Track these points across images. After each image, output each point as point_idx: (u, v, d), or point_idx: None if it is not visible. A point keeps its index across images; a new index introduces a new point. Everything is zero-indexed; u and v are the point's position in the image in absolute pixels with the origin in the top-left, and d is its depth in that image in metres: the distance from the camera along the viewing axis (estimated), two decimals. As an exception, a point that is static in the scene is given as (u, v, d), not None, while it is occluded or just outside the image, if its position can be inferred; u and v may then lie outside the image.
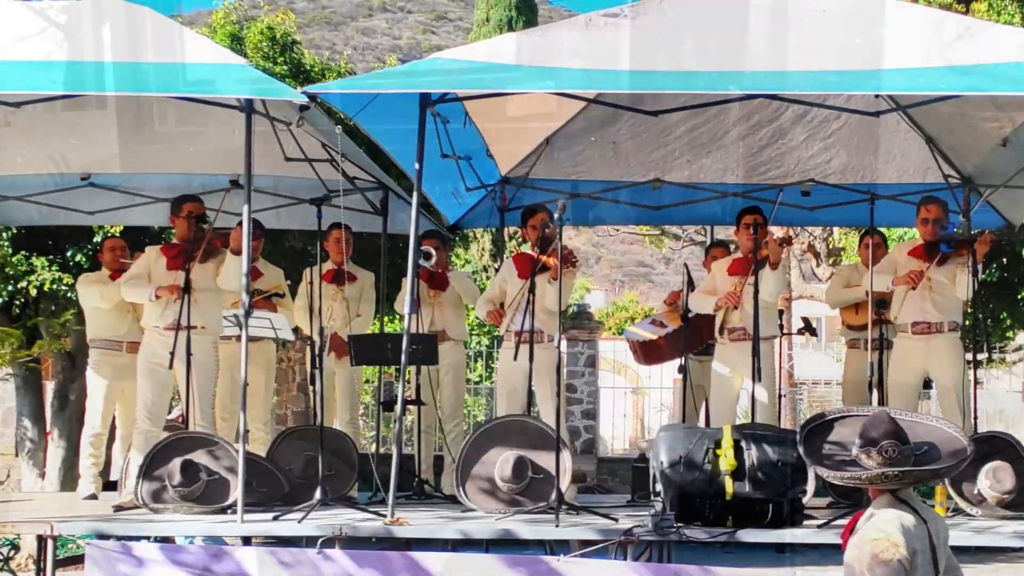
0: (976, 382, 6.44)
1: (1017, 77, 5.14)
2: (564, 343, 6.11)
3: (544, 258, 6.37)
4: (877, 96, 6.38)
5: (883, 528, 3.03)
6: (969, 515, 5.70)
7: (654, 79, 5.39)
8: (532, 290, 6.21)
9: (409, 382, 6.59)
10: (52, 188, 7.69)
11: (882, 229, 8.12)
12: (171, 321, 6.17)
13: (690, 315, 6.98)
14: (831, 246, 17.74)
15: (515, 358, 6.16)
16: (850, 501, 6.30)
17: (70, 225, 8.61)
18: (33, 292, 9.07)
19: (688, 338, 7.05)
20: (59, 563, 6.23)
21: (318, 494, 5.73)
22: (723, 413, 6.46)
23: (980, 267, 6.25)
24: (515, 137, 7.40)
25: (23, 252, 9.15)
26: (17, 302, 9.31)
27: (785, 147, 7.63)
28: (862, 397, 6.96)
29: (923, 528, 3.09)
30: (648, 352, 7.39)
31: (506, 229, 8.45)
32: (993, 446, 5.76)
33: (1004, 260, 9.73)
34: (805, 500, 5.59)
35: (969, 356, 6.63)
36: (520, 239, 21.88)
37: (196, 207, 6.39)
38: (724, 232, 11.05)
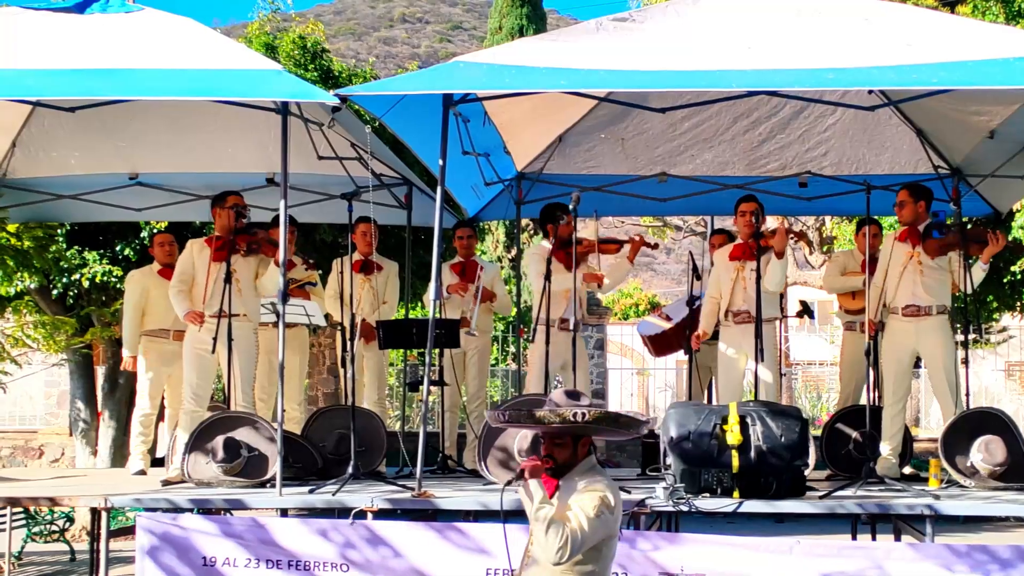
0: (966, 362, 6.35)
1: (1003, 73, 5.05)
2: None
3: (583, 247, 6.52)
4: (871, 92, 6.29)
5: (597, 488, 3.54)
6: (962, 486, 5.62)
7: (660, 78, 5.31)
8: (546, 279, 6.23)
9: (433, 365, 6.56)
10: (103, 187, 7.69)
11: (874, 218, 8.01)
12: (216, 310, 6.17)
13: (694, 306, 6.91)
14: (824, 235, 17.62)
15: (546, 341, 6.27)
16: (848, 474, 6.24)
17: (119, 221, 8.61)
18: (86, 283, 9.10)
19: (692, 328, 6.96)
20: (111, 534, 6.24)
21: (350, 469, 5.72)
22: (730, 392, 6.40)
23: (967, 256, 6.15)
24: (530, 135, 7.34)
25: (76, 247, 9.17)
26: (71, 293, 9.32)
27: (783, 141, 7.55)
28: (858, 376, 6.89)
29: (618, 491, 3.64)
30: (658, 345, 7.38)
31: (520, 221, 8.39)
32: (984, 421, 5.69)
33: (990, 246, 9.59)
34: (806, 473, 5.53)
35: (959, 337, 6.54)
36: (532, 231, 21.87)
37: (238, 200, 6.40)
38: (722, 222, 10.96)
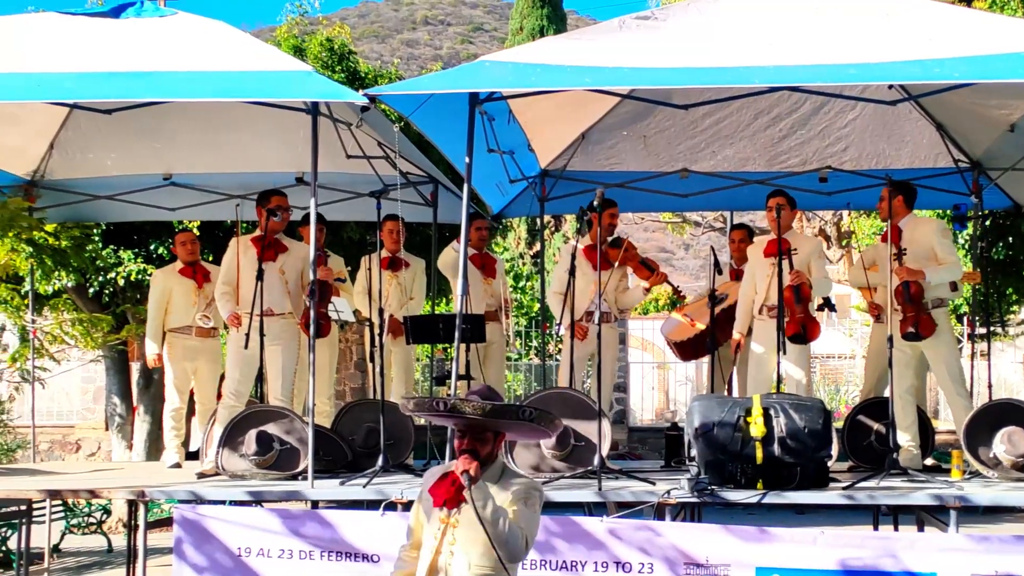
0: (987, 355, 6.27)
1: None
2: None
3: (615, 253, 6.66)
4: (891, 87, 6.23)
5: (535, 484, 3.53)
6: (986, 478, 5.55)
7: (683, 75, 5.27)
8: (572, 273, 6.25)
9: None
10: (137, 187, 7.75)
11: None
12: (264, 309, 6.24)
13: (717, 310, 6.87)
14: (842, 229, 17.49)
15: (585, 337, 6.35)
16: (870, 465, 6.18)
17: (153, 221, 8.67)
18: (121, 282, 9.16)
19: (717, 332, 6.93)
20: (147, 525, 6.28)
21: (380, 461, 5.72)
22: (760, 387, 6.31)
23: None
24: (554, 132, 7.31)
25: (112, 246, 9.23)
26: (107, 291, 9.40)
27: (804, 137, 7.50)
28: (882, 368, 6.81)
29: None
30: (684, 350, 7.37)
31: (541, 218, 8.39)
32: (1007, 412, 5.61)
33: (1010, 239, 9.48)
34: (829, 464, 5.48)
35: (980, 331, 6.44)
36: (553, 228, 21.83)
37: (281, 201, 6.41)
38: (740, 217, 10.92)
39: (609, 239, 6.81)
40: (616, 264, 6.85)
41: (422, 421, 8.85)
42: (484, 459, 3.39)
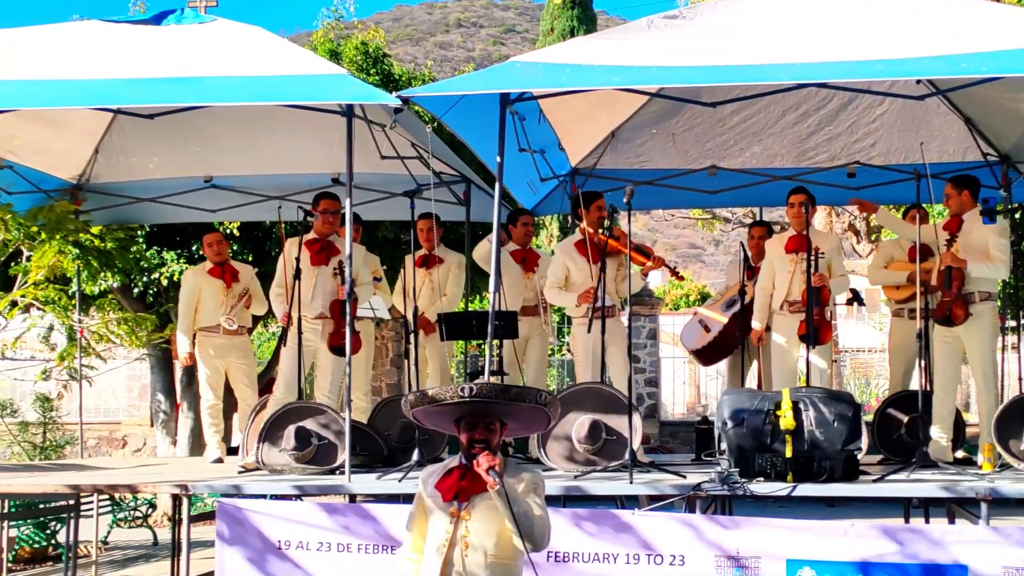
0: (1018, 348, 6.17)
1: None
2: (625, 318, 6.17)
3: (613, 243, 6.40)
4: (919, 82, 6.15)
5: (539, 473, 3.51)
6: (1017, 470, 5.48)
7: (712, 73, 5.24)
8: (604, 269, 6.18)
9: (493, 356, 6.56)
10: (179, 190, 7.84)
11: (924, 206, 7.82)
12: (318, 312, 6.37)
13: (734, 313, 6.82)
14: (871, 224, 17.27)
15: (589, 331, 6.14)
16: (900, 458, 6.11)
17: (195, 222, 8.77)
18: (164, 282, 9.29)
19: (735, 334, 6.87)
20: (191, 519, 6.36)
21: (415, 456, 5.74)
22: (784, 380, 6.28)
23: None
24: (584, 131, 7.30)
25: (155, 247, 9.36)
26: (151, 291, 9.53)
27: (832, 132, 7.44)
28: (907, 362, 6.75)
29: None
30: (704, 357, 7.31)
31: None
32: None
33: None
34: (859, 457, 5.43)
35: (1010, 324, 6.35)
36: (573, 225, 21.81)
37: (328, 204, 6.46)
38: (770, 214, 10.80)
39: (600, 230, 6.66)
40: (614, 253, 6.74)
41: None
42: (494, 449, 3.37)
